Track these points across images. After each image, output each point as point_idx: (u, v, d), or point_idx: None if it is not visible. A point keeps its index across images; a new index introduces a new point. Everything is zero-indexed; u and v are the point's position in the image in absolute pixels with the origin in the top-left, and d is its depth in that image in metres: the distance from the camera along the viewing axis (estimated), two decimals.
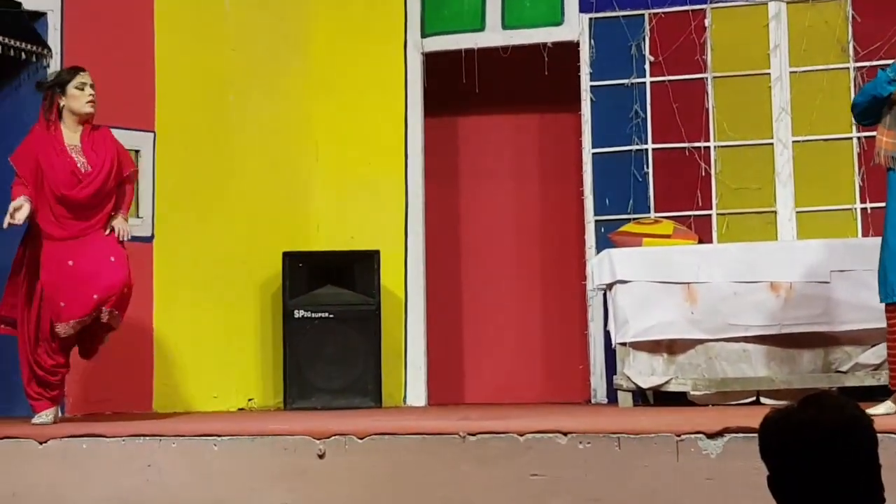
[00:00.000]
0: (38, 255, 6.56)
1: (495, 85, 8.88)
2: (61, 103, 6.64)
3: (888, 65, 6.23)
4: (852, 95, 8.03)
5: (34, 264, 6.58)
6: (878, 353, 6.88)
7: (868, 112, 6.19)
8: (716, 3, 8.42)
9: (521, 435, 5.27)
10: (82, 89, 6.64)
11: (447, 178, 9.15)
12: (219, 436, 5.56)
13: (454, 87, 8.74)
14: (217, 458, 5.52)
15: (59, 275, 6.47)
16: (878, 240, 7.16)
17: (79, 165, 6.57)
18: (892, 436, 4.83)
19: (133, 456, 5.60)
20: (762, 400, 7.28)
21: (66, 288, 6.45)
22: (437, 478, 5.31)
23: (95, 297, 6.41)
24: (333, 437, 5.43)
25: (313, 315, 8.20)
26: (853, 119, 6.41)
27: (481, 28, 8.82)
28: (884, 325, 6.34)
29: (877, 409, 5.92)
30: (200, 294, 8.27)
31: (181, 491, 5.51)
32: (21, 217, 6.41)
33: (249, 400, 8.43)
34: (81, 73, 6.68)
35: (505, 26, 8.77)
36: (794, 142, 8.22)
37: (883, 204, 7.67)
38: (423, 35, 8.88)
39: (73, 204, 6.56)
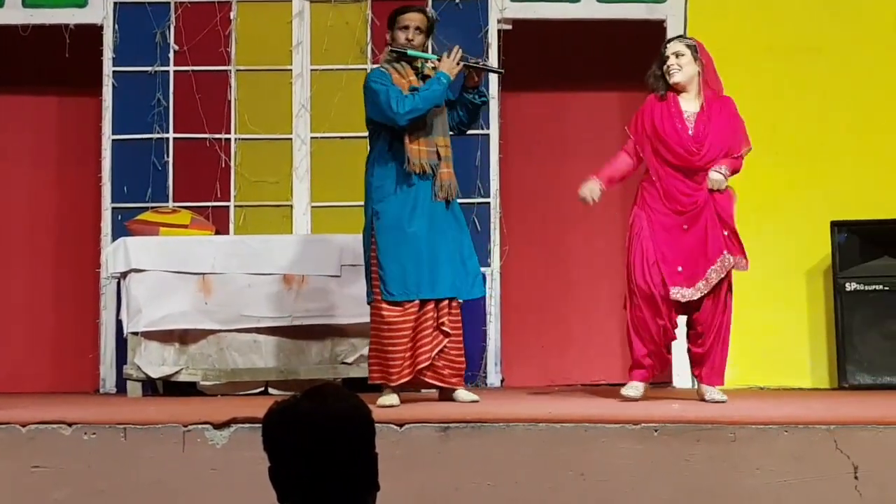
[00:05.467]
0: None
1: (15, 64, 8.60)
2: None
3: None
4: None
5: None
6: None
7: (421, 117, 6.34)
8: None
9: (24, 426, 5.16)
10: None
11: None
12: None
13: None
14: None
15: None
16: None
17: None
18: (391, 426, 5.07)
19: None
20: (270, 390, 7.42)
21: None
22: None
23: None
24: None
25: None
26: (397, 122, 6.22)
27: (1, 5, 8.50)
28: None
29: (384, 401, 6.15)
30: None
31: None
32: None
33: None
34: None
35: (26, 4, 8.48)
36: (312, 138, 8.42)
37: None
38: None
39: None
